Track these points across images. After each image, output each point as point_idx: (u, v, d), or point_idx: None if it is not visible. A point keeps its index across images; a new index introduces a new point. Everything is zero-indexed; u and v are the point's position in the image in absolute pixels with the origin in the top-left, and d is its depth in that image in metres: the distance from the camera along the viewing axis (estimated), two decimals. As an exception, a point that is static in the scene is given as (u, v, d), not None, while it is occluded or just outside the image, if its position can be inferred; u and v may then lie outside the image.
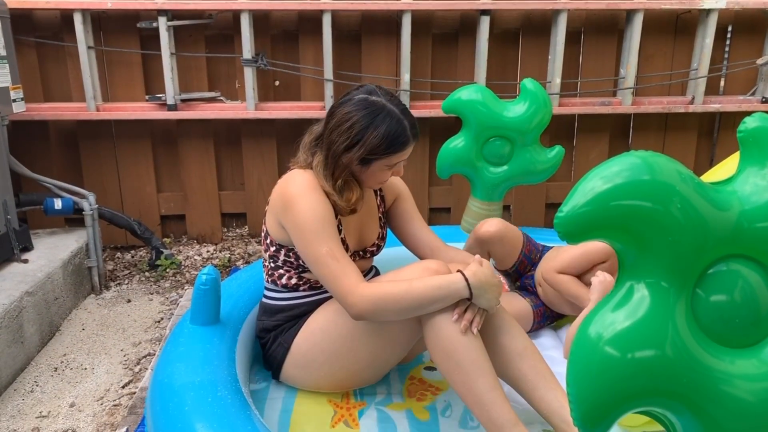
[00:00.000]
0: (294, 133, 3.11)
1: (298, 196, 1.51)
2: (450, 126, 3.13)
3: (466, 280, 1.43)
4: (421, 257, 1.78)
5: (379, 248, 1.77)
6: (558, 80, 2.94)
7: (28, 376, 1.96)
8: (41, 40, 2.85)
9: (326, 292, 1.65)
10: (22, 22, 2.75)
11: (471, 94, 2.37)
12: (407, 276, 1.50)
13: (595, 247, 1.99)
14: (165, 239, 3.06)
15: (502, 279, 2.14)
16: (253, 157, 3.10)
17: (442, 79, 3.06)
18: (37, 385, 1.91)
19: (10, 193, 2.30)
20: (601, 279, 1.80)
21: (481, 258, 1.51)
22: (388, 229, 1.82)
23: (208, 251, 3.02)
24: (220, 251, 3.03)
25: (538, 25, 3.02)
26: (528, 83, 2.37)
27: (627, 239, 0.88)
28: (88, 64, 2.76)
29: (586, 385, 0.87)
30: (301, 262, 1.61)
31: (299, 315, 1.67)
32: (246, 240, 3.15)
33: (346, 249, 1.59)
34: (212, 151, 3.05)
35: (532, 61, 3.08)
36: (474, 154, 2.41)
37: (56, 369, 2.00)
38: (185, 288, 2.63)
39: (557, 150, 2.45)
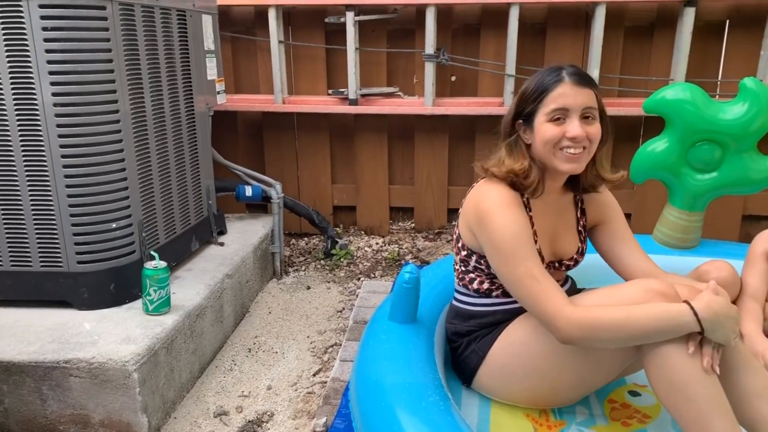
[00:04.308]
0: (467, 130, 3.09)
1: (493, 211, 1.44)
2: (637, 126, 2.93)
3: (695, 313, 1.28)
4: None
5: (576, 263, 1.64)
6: (773, 78, 2.62)
7: (226, 354, 2.08)
8: (236, 34, 3.02)
9: (523, 299, 1.58)
10: (221, 18, 2.92)
11: (678, 92, 2.17)
12: (625, 297, 1.37)
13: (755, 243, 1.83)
14: (335, 229, 3.14)
15: None
16: (425, 153, 3.08)
17: (632, 75, 2.85)
18: (235, 364, 2.02)
19: (211, 180, 2.46)
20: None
21: (718, 286, 1.34)
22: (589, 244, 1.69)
23: (377, 243, 3.05)
24: (389, 244, 3.05)
25: (750, 16, 2.71)
26: (748, 82, 2.13)
27: None
28: (278, 58, 2.88)
29: None
30: (492, 270, 1.54)
31: (495, 323, 1.61)
32: (412, 234, 3.16)
33: (542, 260, 1.49)
34: (386, 146, 3.08)
35: (738, 58, 2.78)
36: (677, 158, 2.21)
37: (250, 350, 2.11)
38: (360, 279, 2.68)
39: (778, 158, 2.18)
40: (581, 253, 1.63)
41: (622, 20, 2.79)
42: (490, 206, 1.45)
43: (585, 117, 1.42)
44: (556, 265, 1.60)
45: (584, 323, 1.33)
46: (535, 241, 1.49)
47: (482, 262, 1.55)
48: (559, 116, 1.41)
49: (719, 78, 2.82)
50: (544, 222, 1.54)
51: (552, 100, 1.40)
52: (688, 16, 2.61)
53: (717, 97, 2.78)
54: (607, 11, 2.64)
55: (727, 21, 2.75)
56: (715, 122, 2.12)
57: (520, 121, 1.48)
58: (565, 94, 1.39)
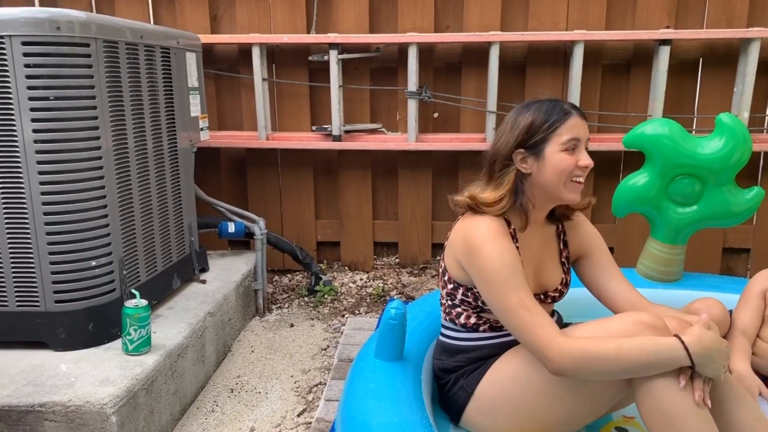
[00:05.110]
0: (450, 165, 3.11)
1: (484, 242, 1.44)
2: (617, 161, 2.97)
3: (686, 348, 1.28)
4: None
5: (561, 294, 1.64)
6: (746, 114, 2.69)
7: (208, 395, 2.03)
8: (220, 72, 3.03)
9: (510, 334, 1.56)
10: (205, 55, 2.94)
11: (657, 128, 2.21)
12: (615, 330, 1.37)
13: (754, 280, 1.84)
14: (319, 265, 3.12)
15: None
16: (408, 188, 3.09)
17: (611, 111, 2.90)
18: (216, 405, 1.97)
19: (194, 216, 2.44)
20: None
21: (709, 320, 1.35)
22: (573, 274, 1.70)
23: (361, 279, 3.03)
24: (373, 280, 3.03)
25: (722, 55, 2.80)
26: (724, 117, 2.17)
27: None
28: (262, 95, 2.89)
29: None
30: (479, 302, 1.53)
31: (482, 357, 1.59)
32: (397, 270, 3.14)
33: None
34: (369, 181, 3.09)
35: (712, 94, 2.85)
36: (658, 192, 2.23)
37: (232, 390, 2.06)
38: (345, 316, 2.64)
39: (756, 191, 2.22)
40: (565, 284, 1.64)
41: (599, 58, 2.86)
42: (480, 237, 1.45)
43: (586, 148, 1.49)
44: (542, 297, 1.60)
45: (576, 354, 1.32)
46: None
47: (469, 295, 1.54)
48: (574, 146, 1.46)
49: (695, 114, 2.89)
50: (529, 253, 1.55)
51: (567, 131, 1.45)
52: (664, 55, 2.68)
53: (693, 132, 2.84)
54: (585, 49, 2.71)
55: (701, 59, 2.84)
56: (694, 156, 2.16)
57: (521, 150, 1.48)
58: (578, 125, 1.46)
